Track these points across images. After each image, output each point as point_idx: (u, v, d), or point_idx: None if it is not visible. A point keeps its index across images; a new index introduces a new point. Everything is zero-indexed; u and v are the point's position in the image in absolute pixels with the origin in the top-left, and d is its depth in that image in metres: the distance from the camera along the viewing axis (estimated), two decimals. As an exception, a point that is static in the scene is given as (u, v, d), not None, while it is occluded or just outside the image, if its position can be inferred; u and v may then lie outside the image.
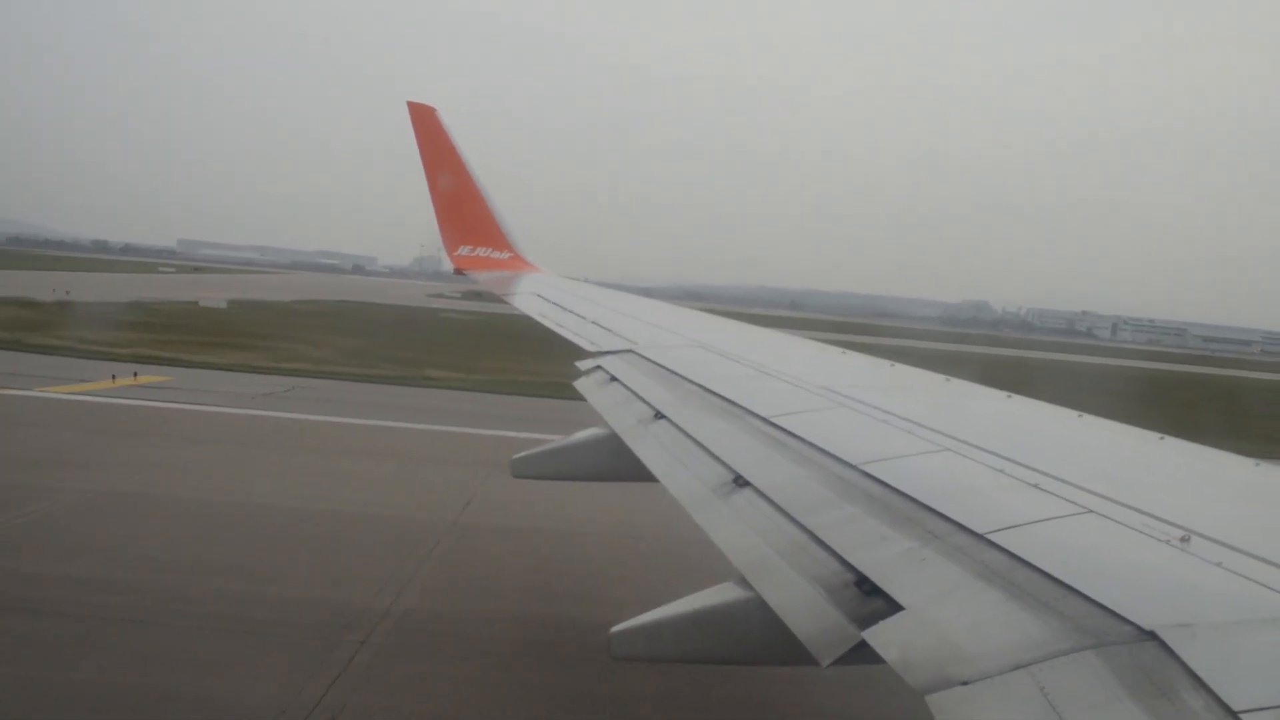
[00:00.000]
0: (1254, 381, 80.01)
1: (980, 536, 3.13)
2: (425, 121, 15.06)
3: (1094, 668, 2.30)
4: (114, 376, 25.43)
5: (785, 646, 3.15)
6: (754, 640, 3.71)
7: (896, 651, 2.68)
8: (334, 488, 15.67)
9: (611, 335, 8.92)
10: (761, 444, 4.77)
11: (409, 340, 45.45)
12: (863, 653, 2.84)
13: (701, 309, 16.24)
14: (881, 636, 2.78)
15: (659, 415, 5.79)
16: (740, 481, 4.29)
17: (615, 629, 4.16)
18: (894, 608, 2.89)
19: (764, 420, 5.10)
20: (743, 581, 3.66)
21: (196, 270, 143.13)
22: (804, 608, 3.15)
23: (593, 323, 9.83)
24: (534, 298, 12.21)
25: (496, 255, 15.64)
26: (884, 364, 7.23)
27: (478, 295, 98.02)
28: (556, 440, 7.57)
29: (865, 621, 2.89)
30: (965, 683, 2.40)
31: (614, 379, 7.11)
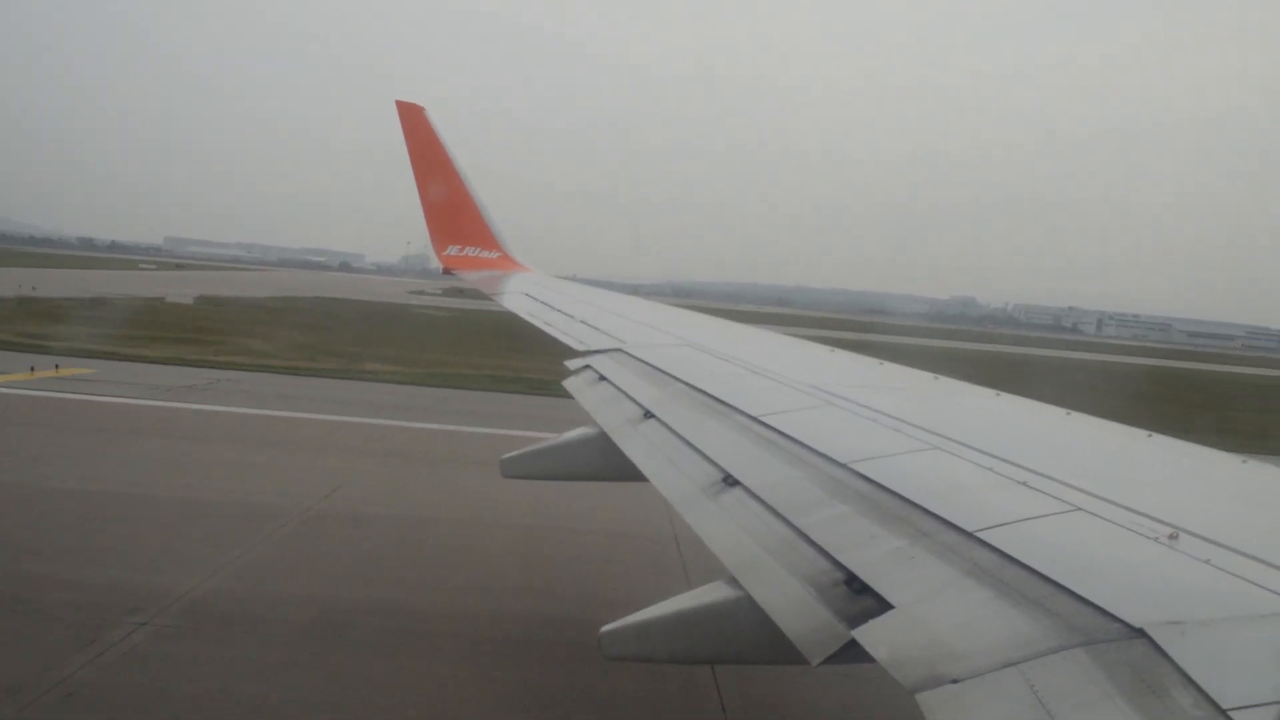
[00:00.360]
0: (1231, 376, 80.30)
1: (969, 534, 3.13)
2: (414, 121, 15.04)
3: (1084, 665, 2.31)
4: (32, 368, 25.13)
5: (775, 646, 3.15)
6: (744, 639, 3.71)
7: (886, 650, 2.68)
8: (198, 475, 15.55)
9: (600, 334, 8.91)
10: (751, 443, 4.77)
11: (364, 335, 45.04)
12: (853, 651, 2.84)
13: (691, 306, 16.27)
14: (871, 635, 2.78)
15: (648, 414, 5.79)
16: (730, 480, 4.29)
17: (605, 629, 4.15)
18: (884, 606, 2.90)
19: (753, 419, 5.09)
20: (732, 581, 3.65)
21: (178, 267, 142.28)
22: (794, 607, 3.14)
23: (581, 321, 9.82)
24: (522, 297, 12.20)
25: (485, 254, 15.64)
26: (873, 362, 7.25)
27: (459, 292, 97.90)
28: (546, 440, 7.56)
29: (855, 620, 2.89)
30: (955, 681, 2.40)
31: (603, 378, 7.11)
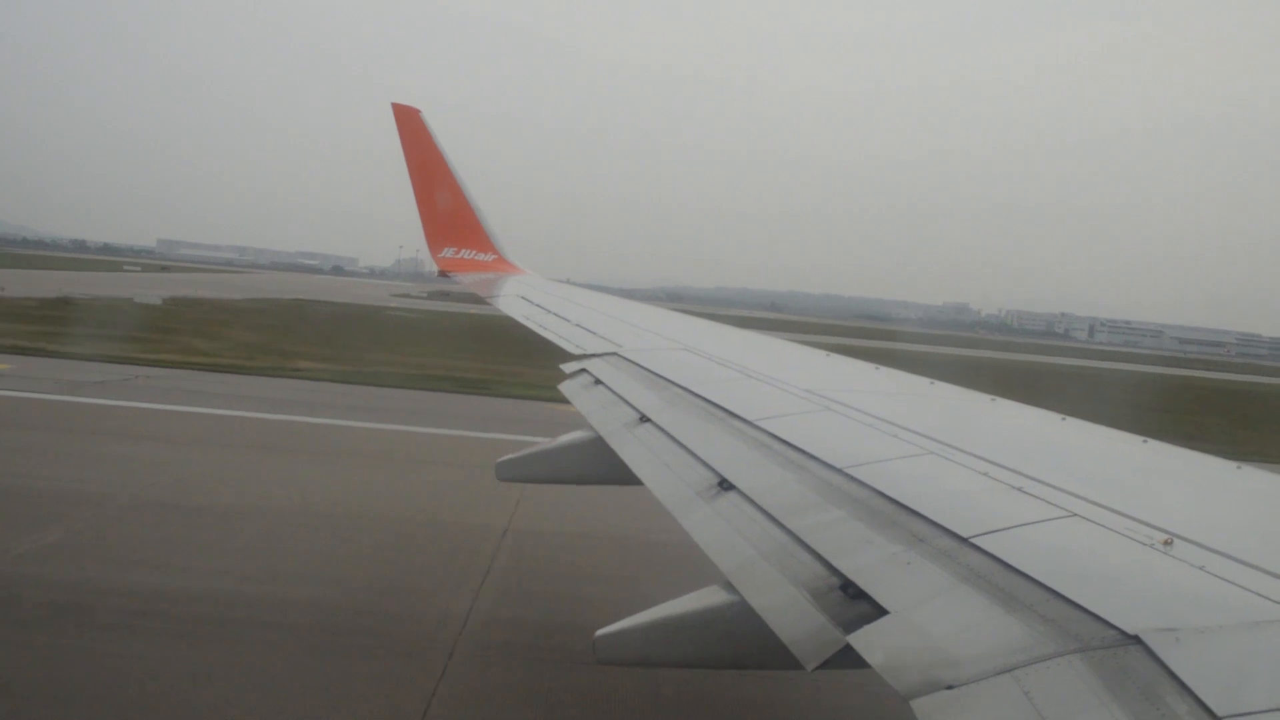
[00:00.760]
0: (1214, 382, 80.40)
1: (965, 540, 3.13)
2: (410, 124, 15.05)
3: (1078, 672, 2.31)
4: None
5: (770, 650, 3.14)
6: (739, 644, 3.71)
7: (881, 655, 2.68)
8: (34, 463, 15.55)
9: (596, 338, 8.91)
10: (746, 447, 4.77)
11: (317, 335, 44.74)
12: (848, 656, 2.83)
13: (683, 311, 16.29)
14: (866, 640, 2.78)
15: (644, 418, 5.78)
16: (725, 485, 4.28)
17: (600, 632, 4.15)
18: (879, 611, 2.89)
19: (749, 423, 5.09)
20: (727, 585, 3.65)
21: (163, 269, 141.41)
22: (789, 611, 3.14)
23: (576, 325, 9.81)
24: (517, 300, 12.19)
25: (481, 257, 15.65)
26: (869, 367, 7.25)
27: (445, 294, 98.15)
28: (541, 443, 7.55)
29: (850, 625, 2.89)
30: (951, 687, 2.40)
31: (598, 382, 7.11)
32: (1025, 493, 3.56)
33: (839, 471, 4.06)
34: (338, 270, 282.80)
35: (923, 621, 2.78)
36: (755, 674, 8.94)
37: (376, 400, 25.53)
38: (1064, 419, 5.17)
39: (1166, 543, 2.95)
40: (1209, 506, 3.74)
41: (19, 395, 21.64)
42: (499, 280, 14.78)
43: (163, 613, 9.83)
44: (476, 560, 12.32)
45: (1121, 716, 2.11)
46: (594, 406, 6.62)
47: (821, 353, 8.19)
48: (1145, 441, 4.60)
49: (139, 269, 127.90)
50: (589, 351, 8.20)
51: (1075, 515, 3.28)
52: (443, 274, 15.50)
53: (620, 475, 5.37)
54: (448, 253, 15.40)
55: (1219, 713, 2.02)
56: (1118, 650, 2.34)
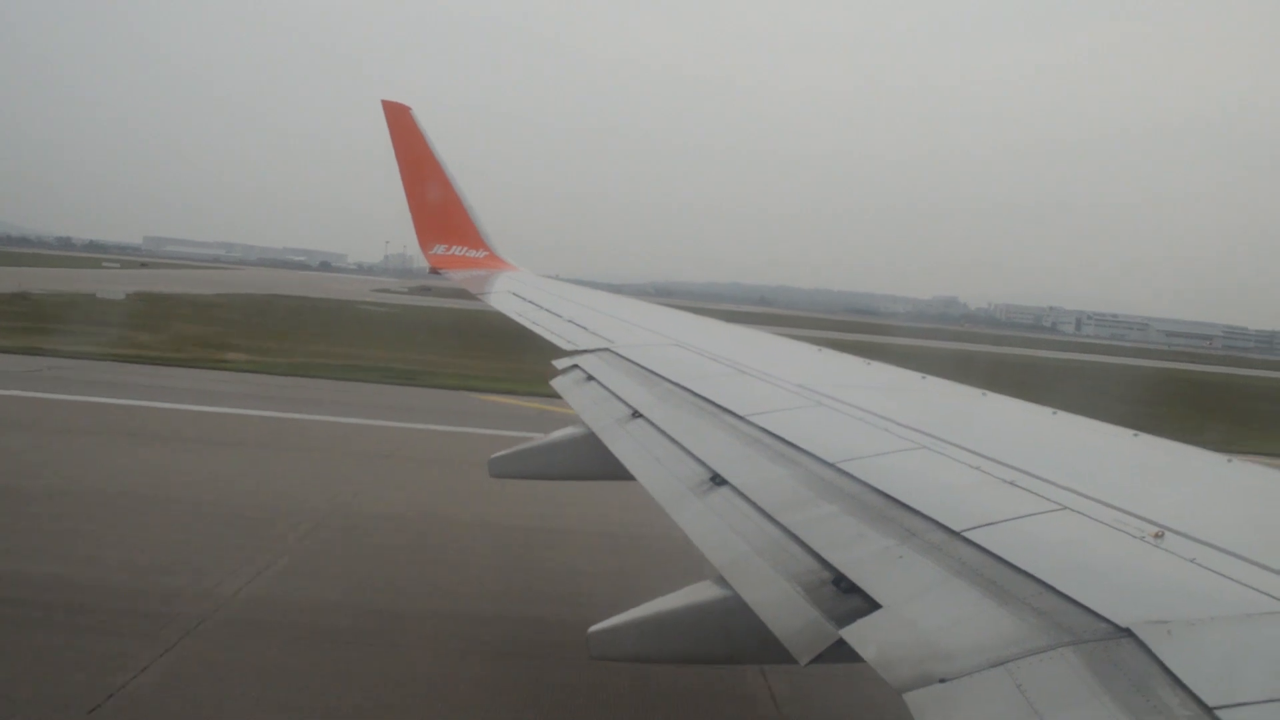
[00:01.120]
0: (1187, 374, 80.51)
1: (957, 534, 3.14)
2: (400, 121, 15.03)
3: (1071, 664, 2.32)
4: None
5: (764, 645, 3.15)
6: (732, 639, 3.71)
7: (874, 649, 2.69)
8: None
9: (588, 334, 8.91)
10: (739, 442, 4.77)
11: (267, 329, 44.50)
12: (841, 651, 2.84)
13: (673, 306, 16.31)
14: (859, 634, 2.79)
15: (636, 414, 5.78)
16: (718, 480, 4.29)
17: (593, 629, 4.15)
18: (872, 605, 2.90)
19: (741, 419, 5.10)
20: (720, 580, 3.65)
21: (143, 265, 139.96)
22: (782, 606, 3.15)
23: (569, 321, 9.81)
24: (510, 296, 12.18)
25: (472, 254, 15.64)
26: (861, 362, 7.26)
27: (427, 289, 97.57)
28: (534, 439, 7.55)
29: (843, 619, 2.90)
30: (943, 680, 2.41)
31: (591, 378, 7.11)
32: (1017, 486, 3.57)
33: (831, 466, 4.06)
34: (325, 266, 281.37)
35: (915, 615, 2.79)
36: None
37: (281, 390, 25.40)
38: (1055, 413, 5.17)
39: (1158, 536, 2.96)
40: (1199, 499, 3.75)
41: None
42: (490, 277, 14.77)
43: None
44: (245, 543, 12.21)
45: (1114, 709, 2.12)
46: (586, 402, 6.62)
47: (813, 348, 8.20)
48: (1136, 435, 4.61)
49: (118, 265, 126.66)
50: (581, 347, 8.20)
51: (1067, 509, 3.29)
52: (434, 271, 15.48)
53: (613, 471, 5.37)
54: (439, 250, 15.39)
55: (1211, 704, 2.02)
56: (1110, 643, 2.35)
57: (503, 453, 7.61)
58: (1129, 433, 4.67)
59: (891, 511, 3.49)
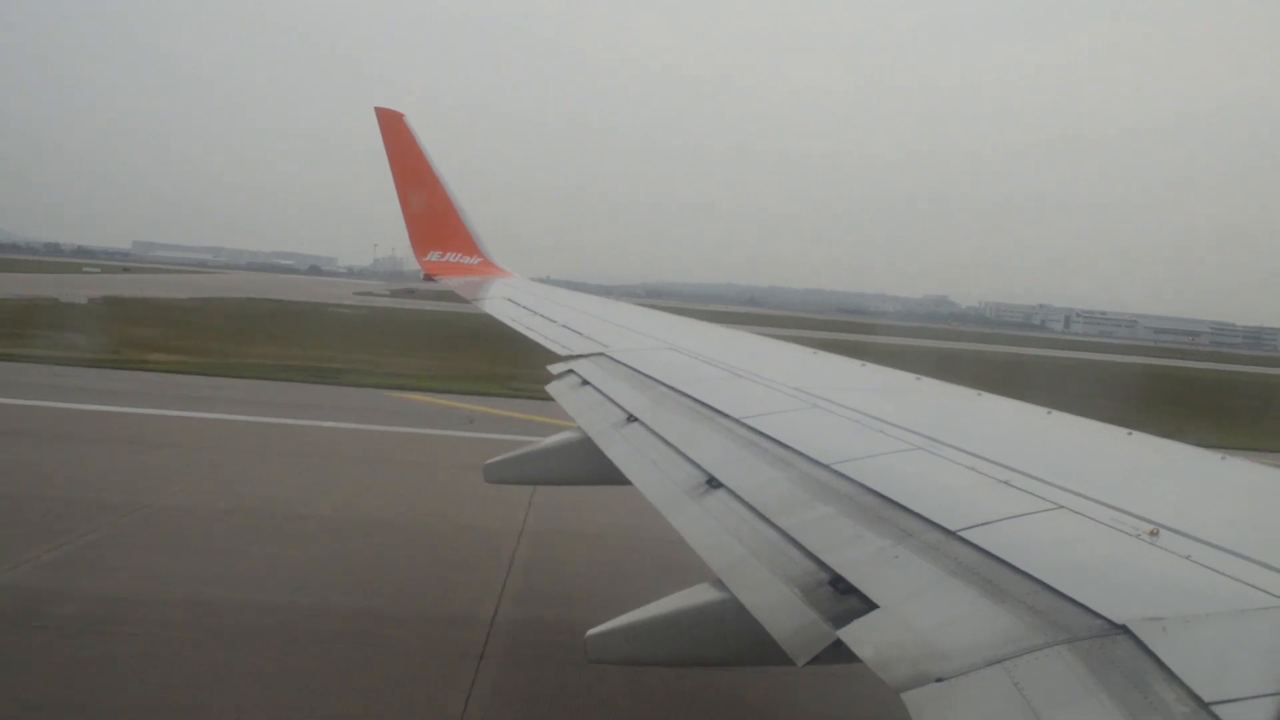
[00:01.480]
0: (1166, 370, 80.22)
1: (953, 534, 3.15)
2: (393, 127, 15.07)
3: (1067, 662, 2.33)
4: None
5: (761, 647, 3.15)
6: (730, 641, 3.71)
7: (872, 650, 2.69)
8: None
9: (582, 339, 8.93)
10: (734, 445, 4.78)
11: (216, 332, 44.08)
12: (838, 652, 2.85)
13: (665, 308, 16.37)
14: (856, 635, 2.79)
15: (631, 418, 5.80)
16: (714, 483, 4.30)
17: (591, 632, 4.15)
18: (868, 606, 2.91)
19: (736, 421, 5.11)
20: (718, 583, 3.65)
21: (125, 270, 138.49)
22: (779, 608, 3.15)
23: (563, 326, 9.84)
24: (503, 302, 12.22)
25: (466, 260, 15.70)
26: (855, 364, 7.28)
27: (410, 292, 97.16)
28: (530, 444, 7.56)
29: (840, 620, 2.91)
30: (940, 679, 2.42)
31: (586, 382, 7.12)
32: (1012, 486, 3.59)
33: (827, 468, 4.08)
34: (314, 270, 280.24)
35: (912, 615, 2.80)
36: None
37: (183, 389, 25.28)
38: (1049, 413, 5.19)
39: (1152, 533, 2.98)
40: (1194, 497, 3.76)
41: None
42: (484, 283, 14.82)
43: None
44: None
45: (1110, 705, 2.13)
46: (582, 407, 6.63)
47: (808, 350, 8.22)
48: (1130, 434, 4.64)
49: (99, 270, 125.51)
50: (575, 352, 8.22)
51: (1062, 508, 3.30)
52: (429, 277, 15.53)
53: (609, 475, 5.38)
54: (433, 256, 15.43)
55: (1207, 700, 2.04)
56: (1106, 640, 2.36)
57: (498, 458, 7.61)
58: (1123, 431, 4.69)
59: (887, 512, 3.50)
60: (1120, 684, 2.19)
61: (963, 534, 3.13)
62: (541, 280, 19.30)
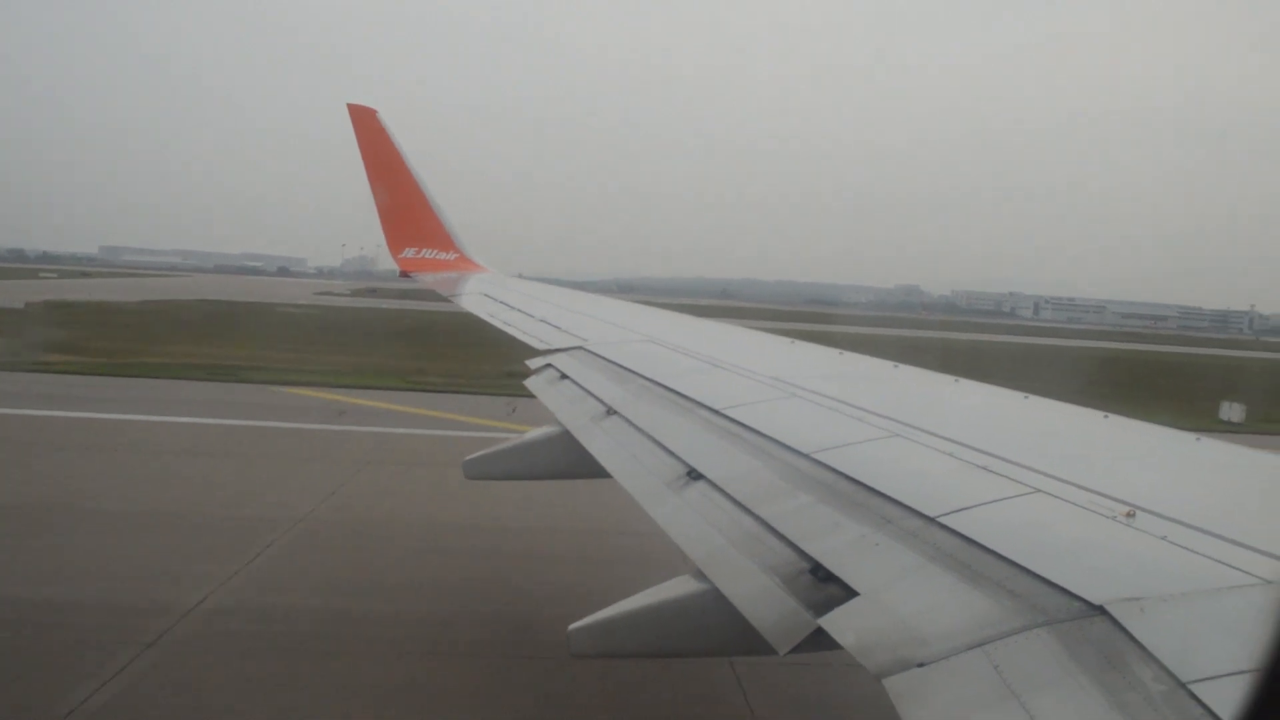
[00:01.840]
0: (1121, 354, 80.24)
1: (932, 520, 3.17)
2: (366, 124, 14.93)
3: (1047, 644, 2.35)
4: None
5: (743, 637, 3.17)
6: (712, 632, 3.71)
7: (853, 636, 2.71)
8: None
9: (560, 333, 8.93)
10: (714, 436, 4.79)
11: (133, 333, 43.27)
12: (820, 639, 2.86)
13: (638, 302, 16.37)
14: (838, 623, 2.81)
15: (611, 411, 5.79)
16: (694, 474, 4.30)
17: (573, 626, 4.14)
18: (849, 593, 2.92)
19: (715, 412, 5.11)
20: (699, 574, 3.66)
21: (84, 275, 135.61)
22: (760, 597, 3.16)
23: (541, 320, 9.83)
24: (481, 297, 12.18)
25: (442, 256, 15.59)
26: (832, 353, 7.31)
27: (372, 291, 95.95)
28: (510, 440, 7.53)
29: (821, 608, 2.92)
30: (921, 665, 2.43)
31: (565, 376, 7.11)
32: (990, 471, 3.60)
33: (806, 457, 4.09)
34: (283, 271, 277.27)
35: (892, 601, 2.82)
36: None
37: (65, 389, 24.85)
38: (1026, 397, 5.22)
39: (1129, 515, 3.00)
40: (1169, 478, 3.80)
41: None
42: (461, 279, 14.73)
43: None
44: None
45: (1089, 686, 2.15)
46: (561, 401, 6.62)
47: (786, 340, 8.25)
48: (1106, 417, 4.67)
49: (55, 275, 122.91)
50: (554, 346, 8.20)
51: (1039, 491, 3.32)
52: (405, 274, 15.42)
53: (589, 469, 5.38)
54: (409, 253, 15.32)
55: (1184, 679, 2.05)
56: (1084, 621, 2.38)
57: (477, 454, 7.58)
58: (1099, 414, 4.73)
59: (867, 500, 3.51)
60: (1098, 665, 2.21)
61: (942, 520, 3.15)
62: (514, 277, 19.23)
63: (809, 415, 4.98)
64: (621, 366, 6.88)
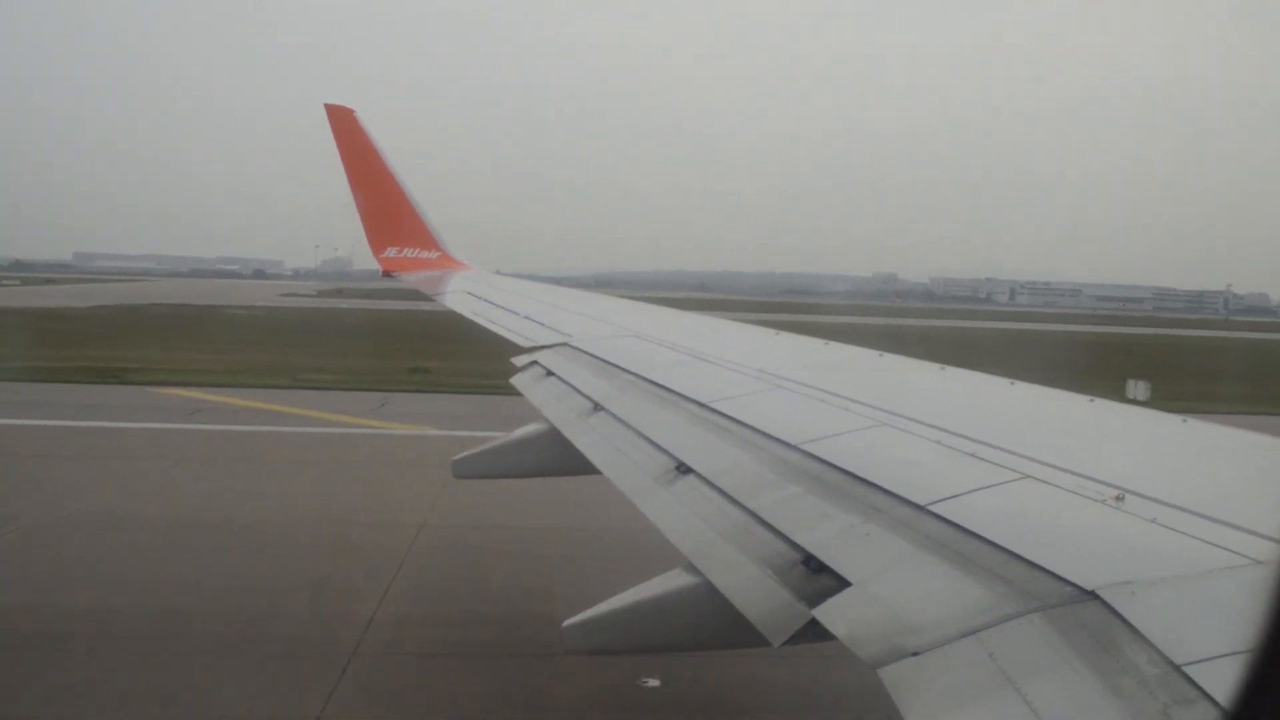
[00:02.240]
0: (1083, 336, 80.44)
1: (922, 508, 3.17)
2: (344, 124, 14.87)
3: (1040, 630, 2.35)
4: None
5: (736, 629, 3.17)
6: (705, 625, 3.71)
7: (846, 627, 2.71)
8: None
9: (545, 329, 8.91)
10: (701, 430, 4.79)
11: (51, 336, 42.53)
12: (814, 631, 2.86)
13: (618, 296, 16.34)
14: (831, 613, 2.81)
15: (598, 407, 5.79)
16: (682, 468, 4.30)
17: (567, 622, 4.14)
18: (841, 584, 2.92)
19: (702, 406, 5.11)
20: (691, 568, 3.66)
21: (48, 281, 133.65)
22: (753, 589, 3.16)
23: (525, 317, 9.82)
24: (465, 296, 12.16)
25: (425, 255, 15.53)
26: (818, 343, 7.32)
27: (338, 292, 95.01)
28: (497, 438, 7.51)
29: (814, 599, 2.92)
30: (915, 653, 2.43)
31: (550, 373, 7.10)
32: (978, 458, 3.61)
33: (794, 448, 4.09)
34: (259, 274, 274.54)
35: (885, 591, 2.82)
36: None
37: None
38: (1012, 383, 5.23)
39: (1118, 498, 3.01)
40: (1157, 461, 3.81)
41: None
42: (444, 277, 14.69)
43: None
44: None
45: (1083, 670, 2.15)
46: (547, 398, 6.61)
47: (771, 331, 8.27)
48: (1092, 401, 4.70)
49: (19, 283, 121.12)
50: (539, 343, 8.19)
51: (1028, 477, 3.33)
52: (387, 274, 15.37)
53: (579, 466, 5.38)
54: (391, 252, 15.28)
55: (1176, 661, 2.06)
56: (1076, 607, 2.38)
57: (465, 454, 7.56)
58: (1084, 399, 4.76)
59: (856, 489, 3.51)
60: (1092, 649, 2.21)
61: (932, 508, 3.15)
62: (493, 273, 19.17)
63: (796, 406, 4.99)
64: (607, 362, 6.87)
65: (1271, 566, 2.35)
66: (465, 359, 26.97)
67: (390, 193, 15.38)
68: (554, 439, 6.10)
